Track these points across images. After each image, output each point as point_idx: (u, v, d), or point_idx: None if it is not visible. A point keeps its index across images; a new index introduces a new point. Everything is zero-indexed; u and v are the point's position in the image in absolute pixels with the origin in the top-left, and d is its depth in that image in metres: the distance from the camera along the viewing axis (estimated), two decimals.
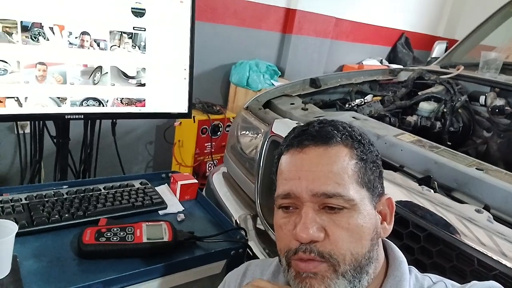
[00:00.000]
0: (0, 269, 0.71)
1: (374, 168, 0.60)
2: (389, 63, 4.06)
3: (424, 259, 0.82)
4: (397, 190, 0.87)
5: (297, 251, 0.55)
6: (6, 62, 1.04)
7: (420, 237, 0.82)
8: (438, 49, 2.14)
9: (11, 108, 1.08)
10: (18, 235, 0.74)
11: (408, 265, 0.63)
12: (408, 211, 0.83)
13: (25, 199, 0.96)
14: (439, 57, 2.05)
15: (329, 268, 0.54)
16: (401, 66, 3.77)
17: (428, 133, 1.50)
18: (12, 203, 0.92)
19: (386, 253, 0.64)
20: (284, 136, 1.15)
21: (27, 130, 2.02)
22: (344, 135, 0.59)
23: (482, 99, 1.55)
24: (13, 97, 1.07)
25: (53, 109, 1.13)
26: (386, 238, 0.65)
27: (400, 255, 0.63)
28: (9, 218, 0.85)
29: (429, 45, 2.88)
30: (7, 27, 1.02)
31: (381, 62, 4.04)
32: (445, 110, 1.53)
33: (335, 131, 0.59)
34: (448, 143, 1.52)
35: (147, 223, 0.91)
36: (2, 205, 0.91)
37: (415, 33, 4.37)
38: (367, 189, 0.58)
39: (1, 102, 1.06)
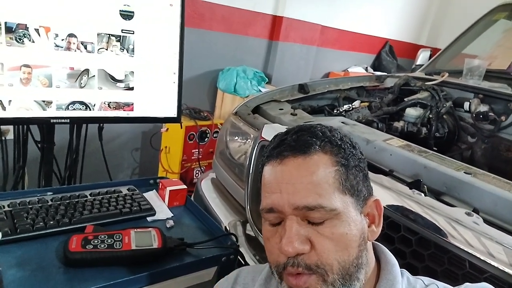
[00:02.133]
0: None
1: (357, 172, 0.59)
2: (374, 71, 4.13)
3: (416, 263, 0.82)
4: (387, 194, 0.87)
5: (285, 265, 0.55)
6: None
7: (411, 241, 0.82)
8: (422, 57, 2.19)
9: None
10: (0, 243, 0.71)
11: (401, 268, 0.63)
12: (399, 215, 0.84)
13: (8, 206, 0.92)
14: (423, 65, 2.09)
15: (318, 279, 0.54)
16: (386, 74, 3.85)
17: (414, 138, 1.52)
18: None
19: (377, 257, 0.64)
20: None
21: (9, 137, 1.96)
22: (323, 141, 0.58)
23: (466, 105, 1.58)
24: None
25: (38, 113, 1.10)
26: (378, 242, 0.65)
27: (391, 258, 0.63)
28: None
29: (413, 53, 2.95)
30: None
31: (366, 69, 4.10)
32: (430, 116, 1.56)
33: (314, 139, 0.58)
34: (434, 148, 1.55)
35: (135, 230, 0.88)
36: None
37: (399, 42, 4.46)
38: (350, 195, 0.57)
39: None
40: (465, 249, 0.74)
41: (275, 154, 0.59)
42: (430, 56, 2.16)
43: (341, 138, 0.60)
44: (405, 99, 1.67)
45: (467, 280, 0.72)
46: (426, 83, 1.71)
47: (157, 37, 1.24)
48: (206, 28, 2.74)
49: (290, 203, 0.55)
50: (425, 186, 0.90)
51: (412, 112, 1.59)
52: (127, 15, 1.17)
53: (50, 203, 0.96)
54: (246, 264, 1.12)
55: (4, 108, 1.05)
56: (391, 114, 1.63)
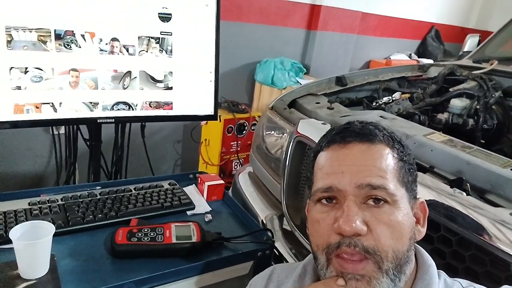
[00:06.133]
0: (39, 267, 0.75)
1: (412, 170, 0.61)
2: (418, 57, 3.95)
3: (456, 263, 0.80)
4: (427, 192, 0.85)
5: (339, 245, 0.54)
6: (42, 70, 1.09)
7: (451, 241, 0.80)
8: (470, 43, 2.07)
9: (46, 114, 1.12)
10: (55, 234, 0.77)
11: (439, 269, 0.62)
12: (439, 214, 0.81)
13: (61, 199, 1.00)
14: (471, 51, 1.98)
15: (375, 266, 0.54)
16: (431, 60, 3.66)
17: (460, 131, 1.46)
18: (49, 204, 0.97)
19: (415, 257, 0.63)
20: (309, 136, 1.15)
21: (62, 131, 2.11)
22: (385, 135, 0.60)
23: None
24: (49, 103, 1.12)
25: (86, 113, 1.18)
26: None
27: (429, 259, 0.63)
28: (47, 218, 0.90)
29: (461, 38, 2.78)
30: (41, 35, 1.07)
31: (410, 56, 3.93)
32: (478, 107, 1.48)
33: (377, 130, 0.60)
34: (482, 141, 1.47)
35: (176, 224, 0.93)
36: (40, 205, 0.96)
37: (446, 25, 4.22)
38: (406, 189, 0.58)
39: (38, 108, 1.11)
40: (510, 252, 0.70)
41: (338, 139, 0.60)
42: (479, 42, 2.03)
43: (400, 138, 0.63)
44: (450, 90, 1.59)
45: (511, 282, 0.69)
46: (473, 72, 1.61)
47: (194, 37, 1.27)
48: (244, 20, 2.75)
49: (352, 182, 0.55)
50: (468, 184, 0.86)
51: (458, 103, 1.51)
52: (165, 18, 1.21)
53: (98, 197, 1.03)
54: (282, 257, 1.14)
55: (55, 110, 1.13)
56: (434, 105, 1.56)
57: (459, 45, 3.09)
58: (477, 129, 1.46)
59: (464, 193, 0.82)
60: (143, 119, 1.33)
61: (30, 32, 1.05)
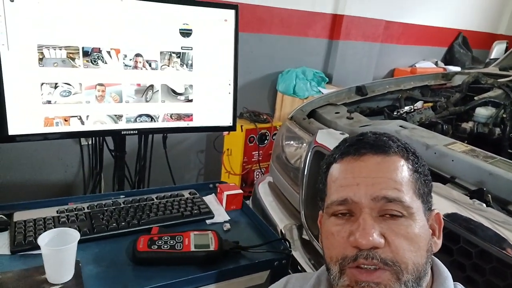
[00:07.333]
0: (64, 273, 0.79)
1: (427, 182, 0.60)
2: (445, 65, 3.86)
3: (476, 276, 0.78)
4: (445, 203, 0.83)
5: (356, 257, 0.54)
6: (70, 85, 1.15)
7: (471, 253, 0.78)
8: (497, 50, 2.01)
9: (74, 126, 1.19)
10: (80, 241, 0.81)
11: (458, 281, 0.62)
12: (458, 226, 0.80)
13: (87, 208, 1.04)
14: (498, 58, 1.92)
15: (392, 276, 0.53)
16: (458, 68, 3.58)
17: (486, 140, 1.42)
18: (76, 212, 1.01)
19: (430, 269, 0.62)
20: (327, 146, 1.16)
21: (84, 142, 2.20)
22: (400, 146, 0.60)
23: None
24: (76, 116, 1.18)
25: (111, 125, 1.24)
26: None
27: (445, 271, 0.62)
28: (73, 225, 0.94)
29: (490, 44, 2.71)
30: (70, 53, 1.13)
31: (436, 64, 3.85)
32: (504, 115, 1.44)
33: (391, 142, 0.60)
34: (509, 150, 1.42)
35: (195, 232, 0.95)
36: (67, 213, 1.00)
37: (474, 32, 4.12)
38: (421, 201, 0.58)
39: (66, 120, 1.17)
40: None
41: (352, 151, 0.60)
42: (506, 49, 1.97)
43: (414, 149, 0.63)
44: (475, 98, 1.55)
45: None
46: (499, 80, 1.57)
47: (213, 51, 1.31)
48: (265, 32, 2.79)
49: (368, 194, 0.55)
50: (489, 195, 0.84)
51: (483, 112, 1.47)
52: (186, 33, 1.26)
53: (122, 205, 1.07)
54: (301, 267, 1.14)
55: (83, 123, 1.20)
56: (458, 114, 1.53)
57: (488, 52, 3.01)
58: (504, 138, 1.42)
59: (484, 204, 0.80)
60: (165, 131, 1.38)
61: (60, 50, 1.11)
